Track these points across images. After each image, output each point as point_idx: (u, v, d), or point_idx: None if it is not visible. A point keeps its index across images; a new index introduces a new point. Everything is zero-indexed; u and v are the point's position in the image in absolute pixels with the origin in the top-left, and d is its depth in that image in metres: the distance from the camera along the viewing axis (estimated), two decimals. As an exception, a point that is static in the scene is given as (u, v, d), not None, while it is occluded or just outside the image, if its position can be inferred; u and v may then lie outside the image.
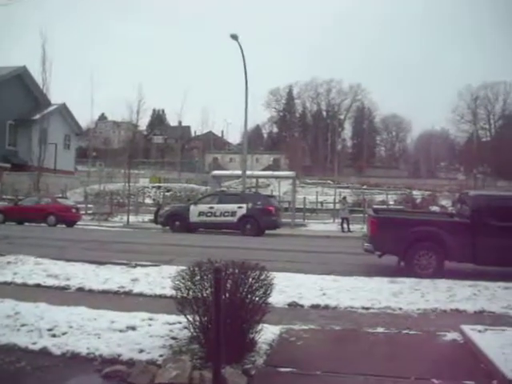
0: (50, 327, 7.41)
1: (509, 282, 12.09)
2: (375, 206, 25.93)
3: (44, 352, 6.61)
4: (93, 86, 66.24)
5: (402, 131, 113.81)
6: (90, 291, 10.85)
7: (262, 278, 6.76)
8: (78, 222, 31.88)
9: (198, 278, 6.47)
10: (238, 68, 33.92)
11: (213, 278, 5.83)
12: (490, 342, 7.23)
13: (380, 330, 8.46)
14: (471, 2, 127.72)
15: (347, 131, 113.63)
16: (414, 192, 49.75)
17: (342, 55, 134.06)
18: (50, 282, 11.49)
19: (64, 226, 30.16)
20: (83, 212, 35.98)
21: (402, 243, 13.85)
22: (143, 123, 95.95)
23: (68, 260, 13.92)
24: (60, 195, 38.25)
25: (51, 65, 47.83)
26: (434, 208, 36.86)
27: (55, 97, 51.05)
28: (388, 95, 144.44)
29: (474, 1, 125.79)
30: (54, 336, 7.12)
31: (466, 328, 8.10)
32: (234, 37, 31.67)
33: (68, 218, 30.90)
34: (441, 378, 6.25)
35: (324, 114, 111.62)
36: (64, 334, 7.19)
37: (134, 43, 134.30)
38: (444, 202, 42.14)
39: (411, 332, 8.40)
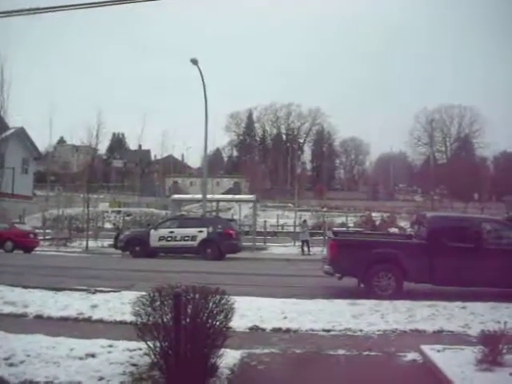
0: (7, 356, 7.23)
1: (466, 302, 12.31)
2: (335, 229, 26.12)
3: (0, 382, 6.46)
4: (51, 110, 65.76)
5: (361, 154, 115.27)
6: (49, 318, 10.66)
7: (223, 302, 6.75)
8: (36, 248, 31.30)
9: (158, 303, 6.41)
10: (198, 92, 34.00)
11: (173, 303, 5.81)
12: (449, 361, 7.34)
13: (341, 352, 8.51)
14: (427, 26, 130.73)
15: (307, 154, 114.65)
16: (374, 214, 50.12)
17: (301, 79, 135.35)
18: (7, 309, 11.25)
19: (21, 251, 29.60)
20: (41, 237, 35.34)
21: (362, 265, 13.99)
22: (103, 147, 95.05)
23: (25, 286, 13.63)
24: (17, 220, 37.56)
25: (9, 87, 47.19)
26: (393, 229, 37.30)
27: (13, 120, 50.29)
28: (347, 119, 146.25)
29: (429, 25, 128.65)
30: (11, 365, 6.94)
31: (426, 348, 8.21)
32: (194, 61, 31.78)
33: (26, 243, 30.32)
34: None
35: (284, 137, 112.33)
36: (22, 362, 7.03)
37: (94, 66, 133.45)
38: (403, 224, 42.60)
39: (372, 353, 8.47)
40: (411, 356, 8.21)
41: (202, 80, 32.41)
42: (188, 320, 6.26)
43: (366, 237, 18.03)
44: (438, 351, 7.98)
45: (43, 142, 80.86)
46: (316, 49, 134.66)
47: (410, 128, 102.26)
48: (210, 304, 6.55)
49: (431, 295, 13.39)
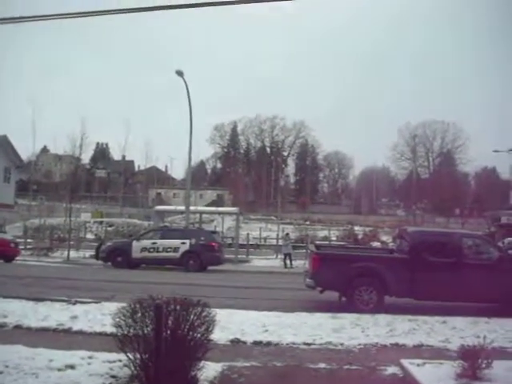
0: (-15, 367, 7.18)
1: (446, 316, 12.40)
2: (317, 242, 26.18)
3: (-23, 393, 6.41)
4: (35, 118, 65.09)
5: (345, 168, 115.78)
6: (28, 329, 10.56)
7: (204, 314, 6.76)
8: (17, 258, 30.99)
9: (139, 315, 6.40)
10: (183, 103, 34.09)
11: (154, 314, 5.81)
12: (429, 376, 7.39)
13: (322, 365, 8.53)
14: (412, 42, 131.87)
15: (290, 167, 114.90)
16: (356, 228, 50.39)
17: (286, 92, 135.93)
18: (-14, 319, 11.15)
19: (2, 261, 29.30)
20: (22, 247, 34.99)
21: (343, 279, 14.03)
22: (86, 157, 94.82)
23: (5, 296, 13.50)
24: (-2, 229, 37.20)
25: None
26: (375, 244, 37.46)
27: (-5, 128, 49.98)
28: (330, 132, 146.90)
29: (414, 41, 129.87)
30: (-12, 376, 6.90)
31: (406, 362, 8.25)
32: (180, 73, 31.82)
33: (6, 252, 29.95)
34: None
35: (268, 150, 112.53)
36: (0, 373, 6.97)
37: (78, 76, 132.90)
38: (385, 238, 42.85)
39: (352, 367, 8.50)
40: (391, 370, 8.26)
41: (187, 92, 32.47)
42: (169, 332, 6.26)
43: (347, 251, 18.10)
44: (418, 365, 8.02)
45: (26, 150, 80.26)
46: (301, 62, 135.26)
47: (394, 143, 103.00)
48: (192, 316, 6.56)
49: (412, 309, 13.47)
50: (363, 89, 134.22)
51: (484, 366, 7.17)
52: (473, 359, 7.18)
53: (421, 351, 9.58)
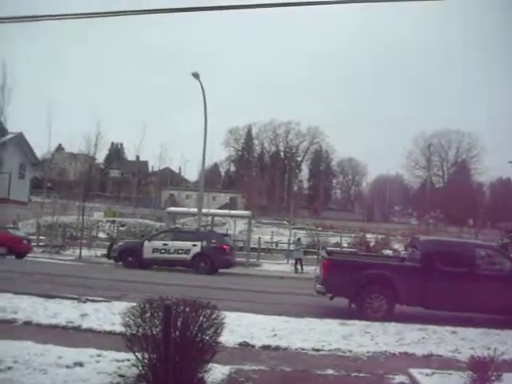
0: (-6, 362, 7.21)
1: (456, 327, 12.31)
2: (329, 248, 26.11)
3: (-14, 388, 6.44)
4: (51, 117, 65.44)
5: (358, 175, 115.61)
6: (38, 325, 10.61)
7: (213, 316, 6.75)
8: (29, 254, 31.20)
9: (149, 315, 6.41)
10: (198, 105, 34.12)
11: (163, 315, 5.81)
12: (437, 386, 7.34)
13: (330, 372, 8.50)
14: (427, 50, 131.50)
15: (304, 173, 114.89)
16: (368, 235, 50.11)
17: (301, 98, 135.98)
18: (-4, 315, 11.22)
19: (13, 257, 29.49)
20: (35, 244, 35.22)
21: (354, 286, 13.99)
22: (101, 156, 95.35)
23: (16, 293, 13.57)
24: (11, 225, 37.46)
25: (9, 93, 47.35)
26: (387, 252, 37.29)
27: (12, 125, 50.34)
28: (345, 139, 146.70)
29: (429, 49, 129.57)
30: (-2, 371, 6.94)
31: (414, 371, 8.20)
32: (196, 75, 31.91)
33: (18, 249, 30.20)
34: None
35: (282, 154, 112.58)
36: (9, 368, 6.99)
37: (95, 76, 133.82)
38: (397, 246, 42.62)
39: (360, 374, 8.46)
40: (399, 379, 8.20)
41: (203, 94, 32.54)
42: (177, 333, 6.26)
43: (359, 258, 18.03)
44: (427, 375, 7.98)
45: (41, 148, 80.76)
46: (317, 69, 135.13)
47: (408, 151, 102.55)
48: (201, 318, 6.55)
49: (422, 318, 13.38)
50: (378, 96, 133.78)
51: (494, 378, 7.10)
52: (482, 371, 7.12)
53: (430, 361, 9.51)
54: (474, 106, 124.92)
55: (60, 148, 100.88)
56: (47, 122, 70.60)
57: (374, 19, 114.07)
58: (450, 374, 8.01)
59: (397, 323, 12.61)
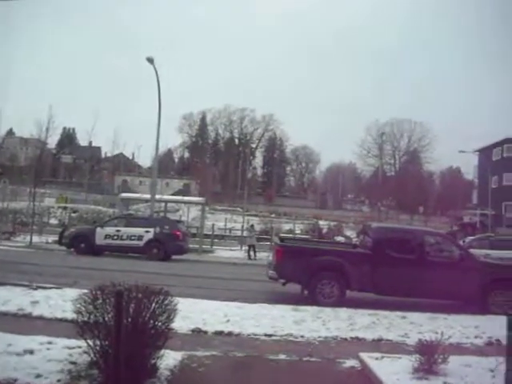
0: None
1: (406, 312, 12.57)
2: (281, 235, 26.26)
3: None
4: (1, 100, 63.86)
5: (312, 162, 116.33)
6: (-13, 313, 10.44)
7: (166, 302, 6.75)
8: (-22, 241, 30.58)
9: (100, 301, 6.35)
10: (152, 90, 33.78)
11: (114, 301, 5.77)
12: (386, 369, 7.50)
13: (282, 356, 8.59)
14: (384, 39, 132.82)
15: (258, 160, 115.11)
16: (321, 222, 50.60)
17: (256, 85, 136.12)
18: None
19: (-38, 244, 28.85)
20: (-17, 231, 34.52)
21: (306, 272, 14.11)
22: (52, 141, 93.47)
23: (-36, 280, 13.32)
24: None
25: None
26: (339, 238, 37.71)
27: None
28: (299, 127, 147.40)
29: (386, 38, 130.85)
30: None
31: (364, 355, 8.37)
32: (150, 60, 31.53)
33: (-34, 236, 29.59)
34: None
35: (236, 141, 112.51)
36: (-45, 357, 6.88)
37: (46, 58, 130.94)
38: (349, 233, 43.18)
39: (312, 359, 8.58)
40: (350, 363, 8.36)
41: (157, 79, 32.20)
42: (130, 319, 6.23)
43: (311, 244, 18.19)
44: (376, 359, 8.14)
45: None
46: (272, 55, 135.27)
47: (361, 139, 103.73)
48: (153, 304, 6.54)
49: (373, 304, 13.62)
50: (332, 84, 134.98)
51: (440, 360, 7.30)
52: (430, 354, 7.30)
53: (380, 345, 9.70)
54: (426, 95, 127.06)
55: (10, 132, 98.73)
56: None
57: None
58: (399, 357, 8.19)
59: (348, 309, 12.81)
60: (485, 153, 61.88)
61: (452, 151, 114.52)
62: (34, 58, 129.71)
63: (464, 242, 27.19)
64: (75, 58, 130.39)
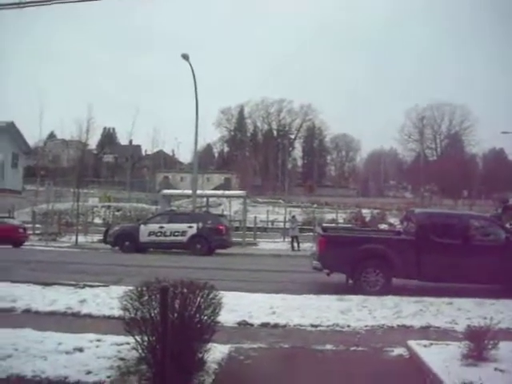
0: (-5, 350, 7.23)
1: (452, 298, 12.40)
2: (324, 225, 26.16)
3: (-13, 376, 6.46)
4: (42, 104, 65.07)
5: (352, 150, 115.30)
6: (37, 313, 10.66)
7: (211, 296, 6.79)
8: (25, 243, 31.22)
9: (146, 297, 6.42)
10: (189, 86, 34.00)
11: (159, 297, 5.83)
12: (435, 356, 7.41)
13: (328, 347, 8.57)
14: (419, 23, 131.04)
15: (298, 151, 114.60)
16: (364, 210, 50.28)
17: (293, 75, 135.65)
18: (-5, 304, 11.23)
19: (10, 246, 29.46)
20: (31, 232, 35.22)
21: (350, 261, 14.02)
22: (93, 142, 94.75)
23: (14, 281, 13.58)
24: (7, 215, 37.39)
25: (0, 82, 46.96)
26: (383, 226, 37.42)
27: (3, 114, 50.07)
28: (338, 115, 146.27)
29: (422, 22, 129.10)
30: (-2, 359, 6.96)
31: (412, 343, 8.29)
32: (185, 56, 31.77)
33: (15, 238, 30.19)
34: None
35: (275, 133, 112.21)
36: (9, 356, 7.01)
37: (85, 61, 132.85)
38: (392, 220, 42.79)
39: (359, 349, 8.55)
40: (398, 351, 8.30)
41: (193, 76, 32.42)
42: (176, 314, 6.29)
43: (354, 233, 18.08)
44: (425, 346, 8.06)
45: (33, 136, 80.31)
46: (308, 45, 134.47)
47: (401, 125, 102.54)
48: (198, 298, 6.59)
49: (419, 291, 13.47)
50: (370, 71, 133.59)
51: (490, 346, 7.18)
52: (479, 340, 7.19)
53: (427, 332, 9.61)
54: (467, 78, 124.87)
55: (52, 135, 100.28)
56: (38, 109, 70.16)
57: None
58: (448, 344, 8.08)
59: (394, 296, 12.67)
60: (529, 132, 60.35)
61: (495, 132, 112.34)
62: (72, 60, 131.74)
63: (511, 224, 26.70)
64: (113, 59, 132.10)
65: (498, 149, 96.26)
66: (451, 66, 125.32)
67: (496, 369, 6.78)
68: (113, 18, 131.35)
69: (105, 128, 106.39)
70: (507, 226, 21.65)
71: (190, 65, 32.11)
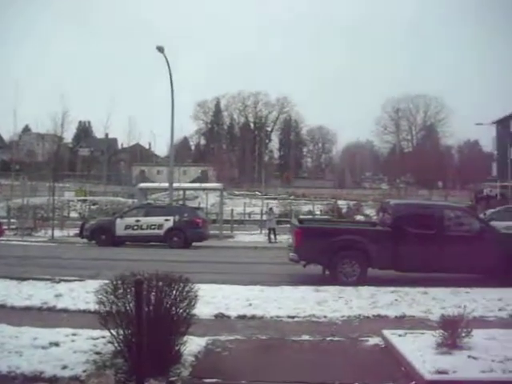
0: (-31, 346, 7.18)
1: (427, 288, 12.55)
2: (300, 217, 26.25)
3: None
4: (16, 98, 64.25)
5: (328, 142, 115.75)
6: (12, 308, 10.58)
7: (187, 289, 6.80)
8: (0, 238, 30.87)
9: (121, 291, 6.42)
10: (165, 79, 33.78)
11: (134, 290, 5.83)
12: (410, 345, 7.50)
13: (305, 337, 8.63)
14: (394, 16, 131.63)
15: (274, 143, 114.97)
16: (340, 202, 50.48)
17: (269, 68, 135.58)
18: (-31, 299, 11.13)
19: (-15, 241, 29.14)
20: (6, 227, 34.79)
21: (326, 252, 14.10)
22: (68, 135, 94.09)
23: (-12, 276, 13.49)
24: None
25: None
26: (359, 217, 37.63)
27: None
28: (314, 107, 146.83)
29: (397, 14, 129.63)
30: (-28, 355, 6.90)
31: (387, 333, 8.37)
32: (160, 49, 31.54)
33: (-11, 233, 29.86)
34: (363, 381, 6.45)
35: (251, 125, 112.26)
36: (-17, 352, 6.98)
37: (59, 53, 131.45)
38: (369, 212, 43.05)
39: (335, 339, 8.61)
40: (373, 341, 8.38)
41: (169, 68, 32.20)
42: (151, 307, 6.30)
43: (330, 224, 18.17)
44: (400, 336, 8.14)
45: (8, 130, 79.68)
46: (284, 38, 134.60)
47: (377, 117, 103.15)
48: (174, 291, 6.60)
49: (394, 281, 13.60)
50: (347, 63, 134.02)
51: (464, 334, 7.28)
52: (453, 328, 7.28)
53: (403, 322, 9.72)
54: (442, 70, 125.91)
55: (27, 129, 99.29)
56: (12, 103, 69.45)
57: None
58: (423, 333, 8.17)
59: (370, 287, 12.82)
60: (503, 124, 60.94)
61: (469, 124, 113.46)
62: (47, 55, 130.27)
63: (485, 214, 27.03)
64: (86, 50, 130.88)
65: (472, 140, 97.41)
66: (426, 57, 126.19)
67: (469, 356, 6.87)
68: (88, 5, 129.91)
69: (80, 121, 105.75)
70: (481, 215, 21.99)
71: (165, 57, 31.88)
